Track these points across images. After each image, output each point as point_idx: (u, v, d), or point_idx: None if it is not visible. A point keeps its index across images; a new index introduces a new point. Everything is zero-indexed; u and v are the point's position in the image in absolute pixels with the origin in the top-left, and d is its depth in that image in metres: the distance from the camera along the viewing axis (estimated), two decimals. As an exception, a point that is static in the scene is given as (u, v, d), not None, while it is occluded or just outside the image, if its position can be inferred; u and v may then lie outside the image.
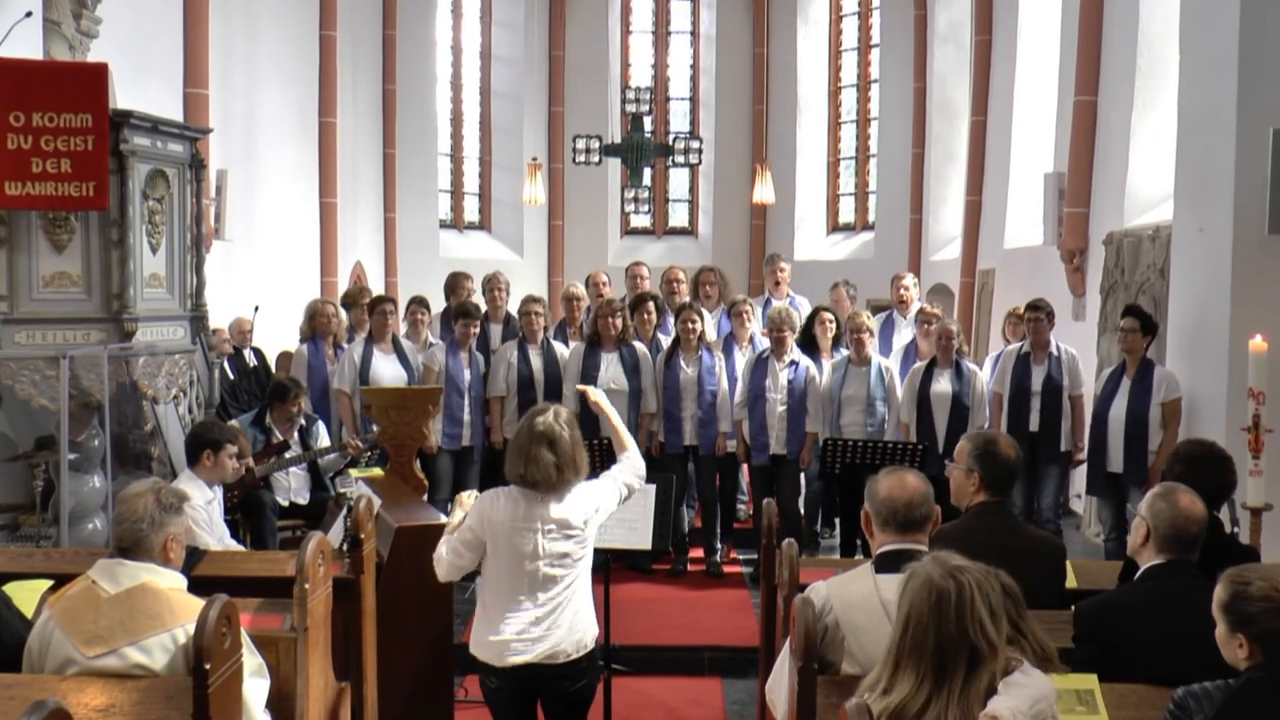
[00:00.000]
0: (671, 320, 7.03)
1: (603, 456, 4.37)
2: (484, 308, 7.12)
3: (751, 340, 6.69)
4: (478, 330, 6.53)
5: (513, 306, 7.23)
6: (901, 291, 7.30)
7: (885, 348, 6.98)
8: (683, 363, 6.33)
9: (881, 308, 8.34)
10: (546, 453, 3.12)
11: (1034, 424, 5.91)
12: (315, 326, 6.65)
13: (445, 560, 3.24)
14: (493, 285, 7.18)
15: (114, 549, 2.77)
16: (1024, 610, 2.19)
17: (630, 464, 3.43)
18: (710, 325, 6.84)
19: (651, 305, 6.73)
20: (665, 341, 6.69)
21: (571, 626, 3.16)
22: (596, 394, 3.78)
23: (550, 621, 3.13)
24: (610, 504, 3.31)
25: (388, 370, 6.33)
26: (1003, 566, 2.21)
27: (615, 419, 3.59)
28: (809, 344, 6.59)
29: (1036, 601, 3.00)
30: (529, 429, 3.17)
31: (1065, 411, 5.93)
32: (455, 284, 7.43)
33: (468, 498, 3.37)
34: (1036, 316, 6.00)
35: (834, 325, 6.57)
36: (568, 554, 3.16)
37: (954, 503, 3.36)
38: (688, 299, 7.26)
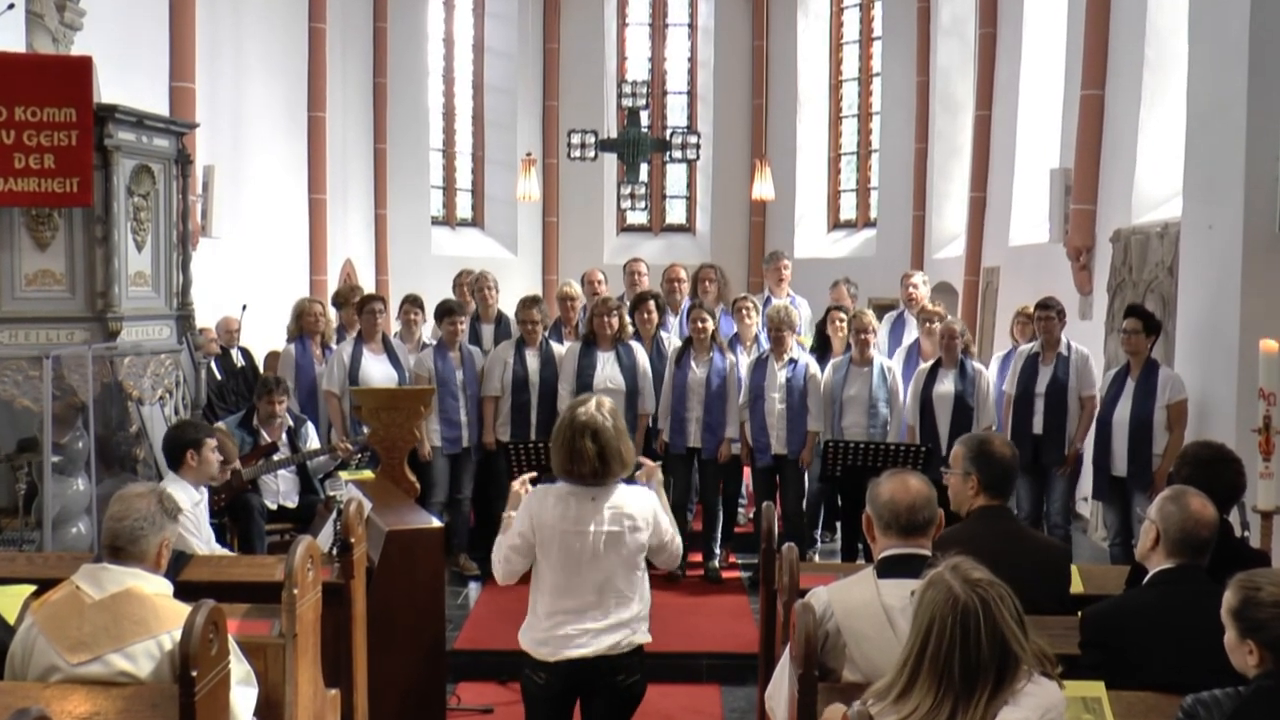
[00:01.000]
0: (671, 319, 6.95)
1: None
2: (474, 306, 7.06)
3: (756, 339, 6.61)
4: (464, 328, 6.44)
5: (506, 303, 7.16)
6: (911, 290, 7.21)
7: (895, 348, 6.91)
8: (693, 363, 6.24)
9: (884, 306, 8.25)
10: (589, 443, 3.06)
11: (1038, 426, 5.83)
12: (303, 326, 6.55)
13: (500, 565, 3.21)
14: (481, 284, 7.12)
15: (105, 548, 2.73)
16: (1024, 618, 2.13)
17: (676, 537, 3.29)
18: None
19: (652, 304, 6.64)
20: (666, 340, 6.62)
21: (628, 623, 3.11)
22: (658, 475, 3.50)
23: (606, 619, 3.08)
24: (658, 534, 3.19)
25: (378, 371, 6.24)
26: (1011, 572, 2.17)
27: (665, 503, 3.42)
28: (825, 346, 6.52)
29: (1042, 608, 2.96)
30: (570, 421, 3.12)
31: (1072, 413, 5.82)
32: (455, 283, 7.39)
33: (519, 486, 3.30)
34: (1047, 316, 5.91)
35: (846, 326, 6.49)
36: (621, 557, 3.10)
37: (954, 509, 3.32)
38: (688, 298, 7.18)
